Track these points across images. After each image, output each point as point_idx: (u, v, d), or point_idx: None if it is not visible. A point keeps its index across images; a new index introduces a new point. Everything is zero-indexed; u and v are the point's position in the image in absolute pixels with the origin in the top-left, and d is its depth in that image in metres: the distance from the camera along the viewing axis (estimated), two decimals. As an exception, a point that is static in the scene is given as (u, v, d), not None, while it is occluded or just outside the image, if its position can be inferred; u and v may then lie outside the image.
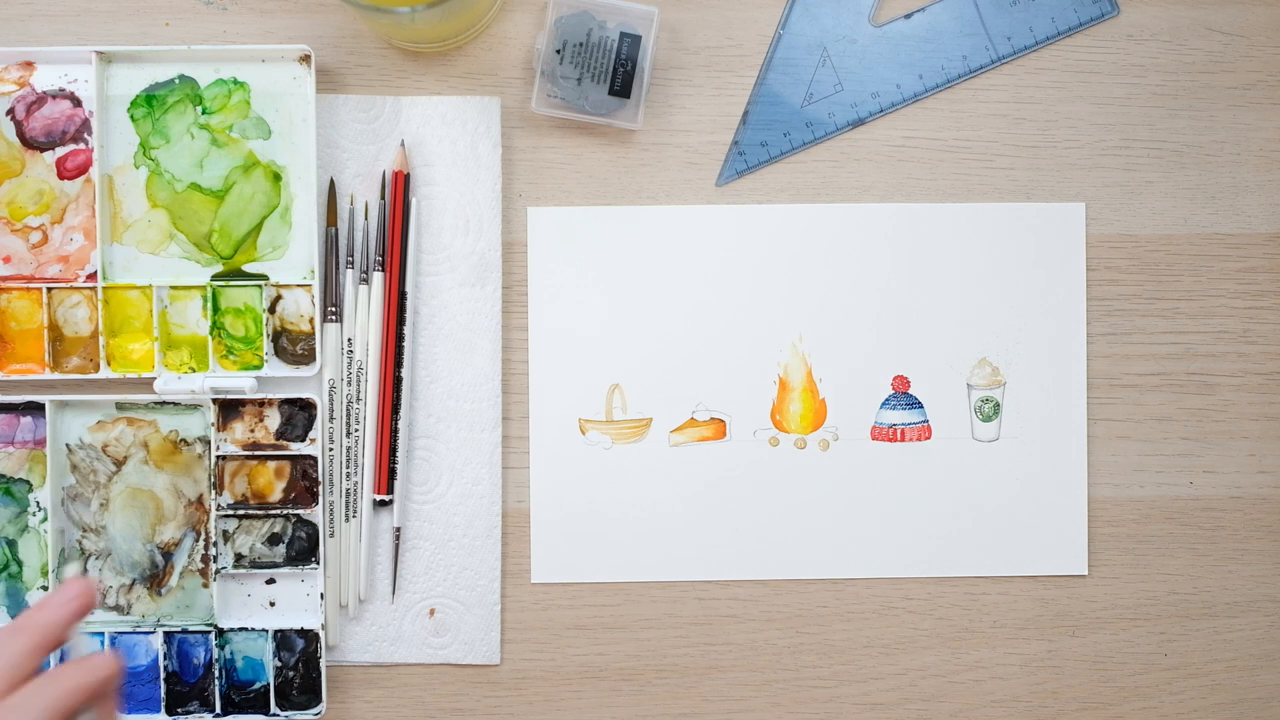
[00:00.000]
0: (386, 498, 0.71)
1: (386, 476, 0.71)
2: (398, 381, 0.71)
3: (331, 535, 0.70)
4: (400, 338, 0.70)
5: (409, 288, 0.71)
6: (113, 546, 0.71)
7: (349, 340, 0.71)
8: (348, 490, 0.71)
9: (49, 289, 0.70)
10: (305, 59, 0.70)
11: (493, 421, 0.72)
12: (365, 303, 0.70)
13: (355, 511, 0.71)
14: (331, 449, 0.70)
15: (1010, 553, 0.72)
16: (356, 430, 0.71)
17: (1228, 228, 0.73)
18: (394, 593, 0.71)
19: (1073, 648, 0.73)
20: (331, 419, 0.70)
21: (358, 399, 0.71)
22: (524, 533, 0.72)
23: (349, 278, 0.71)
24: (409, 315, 0.71)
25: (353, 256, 0.71)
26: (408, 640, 0.71)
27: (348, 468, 0.71)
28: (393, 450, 0.71)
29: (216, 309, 0.70)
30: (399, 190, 0.70)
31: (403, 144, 0.71)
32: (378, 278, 0.70)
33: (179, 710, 0.70)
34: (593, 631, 0.72)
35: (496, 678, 0.72)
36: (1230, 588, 0.73)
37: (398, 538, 0.71)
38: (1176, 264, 0.73)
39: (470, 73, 0.72)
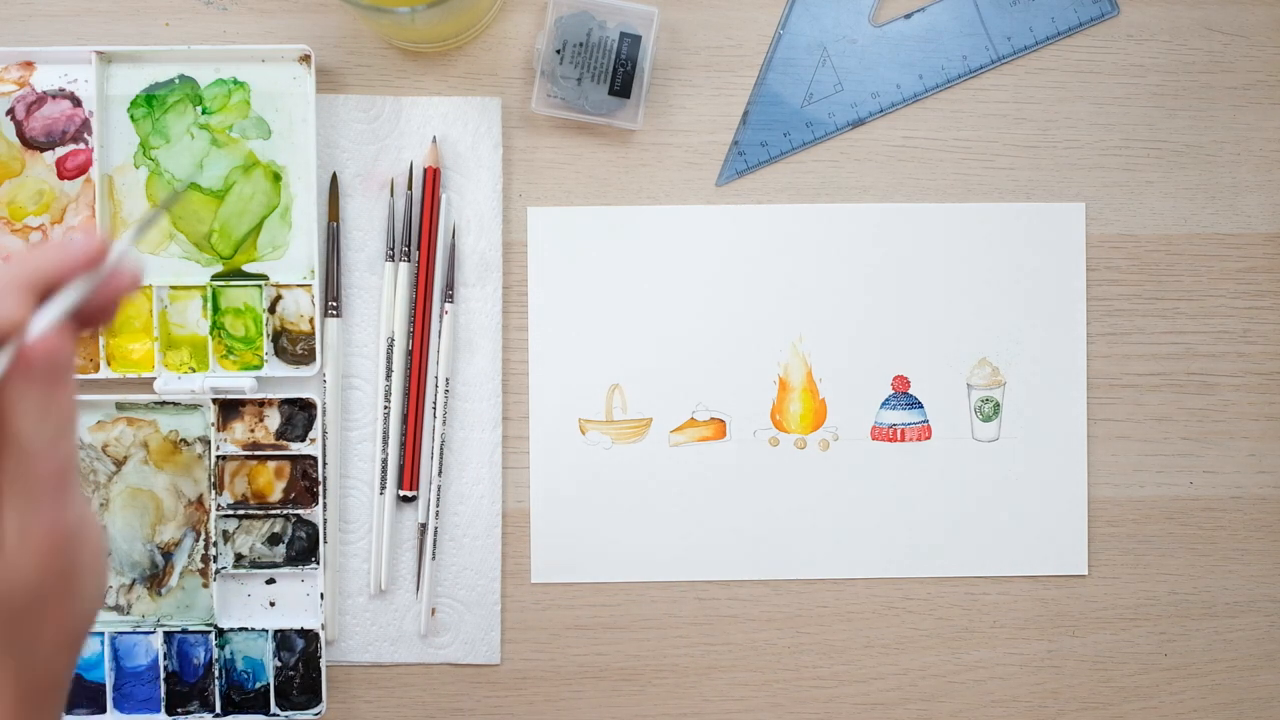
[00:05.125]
0: (411, 494, 0.71)
1: (412, 472, 0.71)
2: (421, 378, 0.71)
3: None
4: (428, 333, 0.71)
5: (437, 283, 0.71)
6: (113, 546, 0.71)
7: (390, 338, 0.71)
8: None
9: (49, 289, 0.70)
10: (305, 59, 0.70)
11: (493, 421, 0.72)
12: (393, 283, 0.71)
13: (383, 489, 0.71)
14: (325, 442, 0.70)
15: (1010, 553, 0.72)
16: (380, 418, 0.71)
17: (1228, 228, 0.73)
18: (419, 587, 0.71)
19: (1073, 648, 0.73)
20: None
21: (385, 399, 0.71)
22: (524, 533, 0.72)
23: (386, 269, 0.71)
24: (435, 309, 0.71)
25: (393, 244, 0.71)
26: (408, 640, 0.71)
27: (383, 453, 0.71)
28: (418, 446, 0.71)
29: (216, 309, 0.70)
30: (432, 186, 0.70)
31: (434, 140, 0.71)
32: (395, 266, 0.71)
33: (179, 710, 0.70)
34: (593, 631, 0.72)
35: (496, 678, 0.72)
36: (1230, 588, 0.73)
37: (423, 533, 0.71)
38: (1176, 264, 0.73)
39: (470, 73, 0.72)
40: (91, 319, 0.44)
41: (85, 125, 0.70)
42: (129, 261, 0.44)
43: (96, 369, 0.70)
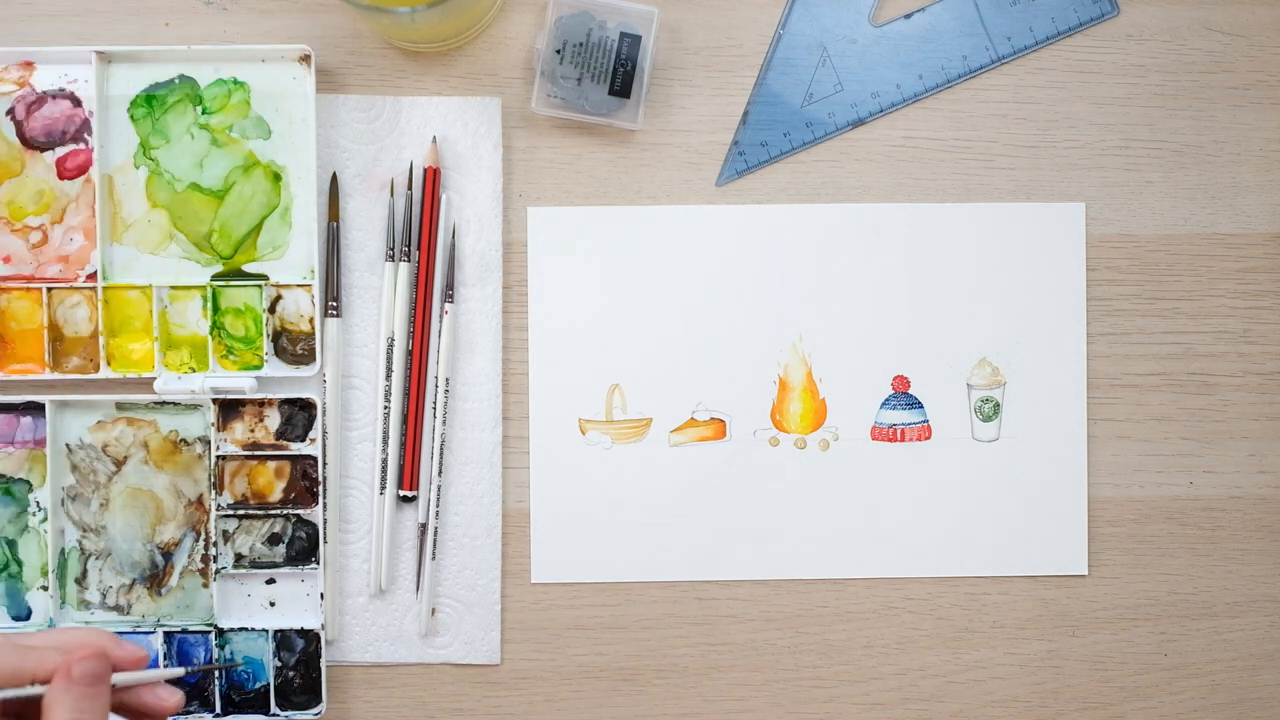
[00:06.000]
0: (411, 494, 0.71)
1: (412, 472, 0.71)
2: (421, 378, 0.71)
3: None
4: (429, 333, 0.71)
5: (437, 283, 0.71)
6: (113, 546, 0.71)
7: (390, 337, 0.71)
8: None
9: (49, 289, 0.70)
10: (305, 59, 0.70)
11: (493, 421, 0.72)
12: (393, 283, 0.71)
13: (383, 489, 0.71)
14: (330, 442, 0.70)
15: (1010, 553, 0.72)
16: (380, 416, 0.71)
17: (1228, 228, 0.73)
18: (419, 587, 0.71)
19: (1073, 648, 0.73)
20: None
21: (386, 398, 0.71)
22: (524, 533, 0.72)
23: (386, 268, 0.71)
24: (435, 309, 0.71)
25: (393, 243, 0.71)
26: (408, 640, 0.71)
27: (383, 453, 0.71)
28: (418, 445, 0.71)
29: (216, 309, 0.70)
30: (432, 186, 0.70)
31: (434, 140, 0.71)
32: (395, 266, 0.71)
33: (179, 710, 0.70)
34: (593, 631, 0.72)
35: (496, 678, 0.72)
36: (1230, 588, 0.73)
37: (423, 533, 0.71)
38: (1176, 264, 0.73)
39: (470, 73, 0.72)
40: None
41: (85, 125, 0.70)
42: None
43: (96, 369, 0.70)
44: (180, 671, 0.62)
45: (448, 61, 0.72)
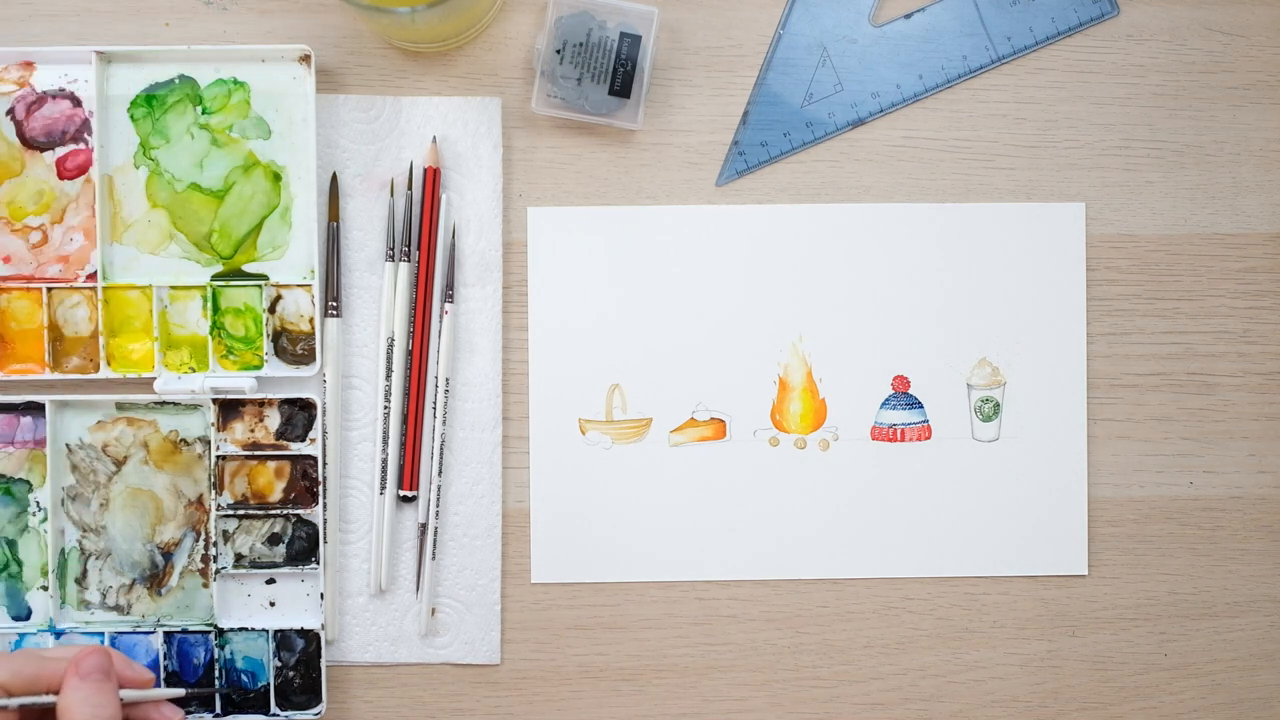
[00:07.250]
0: (411, 494, 0.71)
1: (412, 472, 0.71)
2: (421, 378, 0.71)
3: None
4: (429, 333, 0.71)
5: (437, 283, 0.71)
6: (113, 546, 0.71)
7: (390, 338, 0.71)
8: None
9: (49, 289, 0.70)
10: (305, 59, 0.70)
11: (493, 421, 0.72)
12: (393, 283, 0.71)
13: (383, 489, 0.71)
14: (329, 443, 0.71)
15: (1010, 553, 0.72)
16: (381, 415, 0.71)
17: (1228, 228, 0.73)
18: (419, 588, 0.71)
19: (1073, 648, 0.73)
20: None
21: (385, 397, 0.71)
22: (524, 533, 0.72)
23: (386, 268, 0.71)
24: (435, 309, 0.71)
25: (393, 243, 0.71)
26: (408, 640, 0.71)
27: (384, 454, 0.71)
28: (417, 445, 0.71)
29: (216, 309, 0.70)
30: (432, 186, 0.70)
31: (434, 140, 0.71)
32: (395, 266, 0.71)
33: (179, 710, 0.70)
34: (593, 631, 0.72)
35: (496, 678, 0.72)
36: (1230, 588, 0.73)
37: (423, 533, 0.71)
38: (1176, 264, 0.73)
39: (470, 73, 0.72)
40: None
41: (85, 125, 0.70)
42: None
43: (96, 369, 0.70)
44: (181, 692, 0.67)
45: (448, 61, 0.72)
